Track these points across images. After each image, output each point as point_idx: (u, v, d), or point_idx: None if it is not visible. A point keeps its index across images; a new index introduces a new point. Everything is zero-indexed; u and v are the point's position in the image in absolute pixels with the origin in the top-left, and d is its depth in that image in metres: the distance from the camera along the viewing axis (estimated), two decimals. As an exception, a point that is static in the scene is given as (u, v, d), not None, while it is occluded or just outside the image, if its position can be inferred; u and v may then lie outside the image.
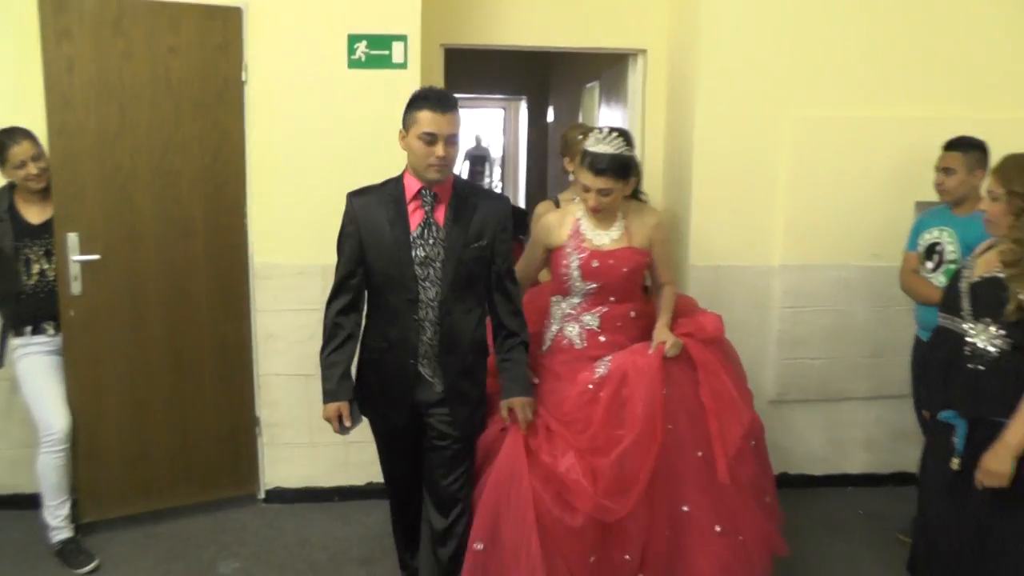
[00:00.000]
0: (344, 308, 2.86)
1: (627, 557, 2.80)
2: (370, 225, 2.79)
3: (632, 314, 3.10)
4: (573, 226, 3.08)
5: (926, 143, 3.58)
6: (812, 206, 4.09)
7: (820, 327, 4.18)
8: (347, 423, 2.86)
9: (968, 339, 2.57)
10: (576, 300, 3.08)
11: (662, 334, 3.02)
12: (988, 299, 2.54)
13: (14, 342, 3.48)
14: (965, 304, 2.61)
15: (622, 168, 2.93)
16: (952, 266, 3.31)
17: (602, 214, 3.02)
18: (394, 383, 2.85)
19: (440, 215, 2.78)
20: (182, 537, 3.69)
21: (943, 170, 3.48)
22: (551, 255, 3.11)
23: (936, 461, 2.74)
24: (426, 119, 2.64)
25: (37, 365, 3.48)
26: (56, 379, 3.50)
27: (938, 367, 2.71)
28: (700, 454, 2.89)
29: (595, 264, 3.01)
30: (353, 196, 2.84)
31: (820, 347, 4.20)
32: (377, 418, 2.98)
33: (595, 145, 2.93)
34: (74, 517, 3.58)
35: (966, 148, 3.43)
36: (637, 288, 3.17)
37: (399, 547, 3.23)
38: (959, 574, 2.66)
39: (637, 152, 3.22)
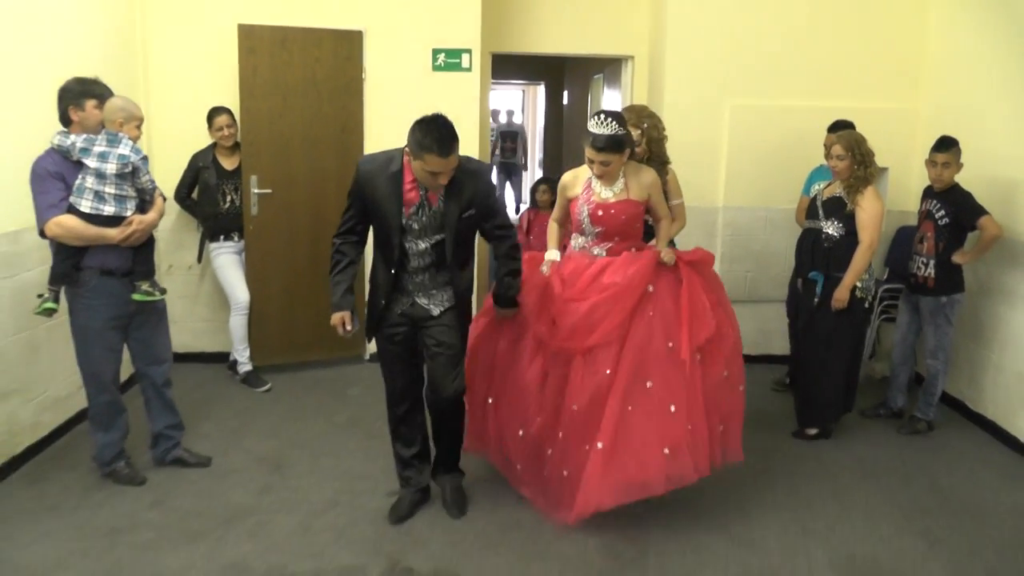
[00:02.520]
0: (346, 242, 3.21)
1: (574, 407, 3.26)
2: (371, 193, 3.06)
3: (632, 250, 3.53)
4: (585, 183, 3.54)
5: (822, 123, 4.74)
6: (744, 166, 5.32)
7: (750, 250, 5.42)
8: (348, 327, 3.22)
9: (823, 231, 4.22)
10: (588, 238, 3.57)
11: (659, 249, 3.51)
12: (832, 208, 4.22)
13: (211, 246, 4.94)
14: (820, 212, 4.26)
15: (617, 145, 3.34)
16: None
17: (606, 176, 3.47)
18: (379, 310, 3.26)
19: (434, 197, 3.07)
20: (317, 378, 5.15)
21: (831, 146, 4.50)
22: (569, 204, 3.62)
23: (805, 301, 4.34)
24: (433, 161, 2.88)
25: (228, 260, 4.93)
26: (240, 269, 4.95)
27: (807, 249, 4.34)
28: (670, 344, 3.30)
29: (600, 213, 3.48)
30: (361, 165, 3.10)
31: (751, 264, 5.44)
32: (381, 331, 3.28)
33: (595, 128, 3.33)
34: (251, 358, 5.00)
35: (843, 130, 4.44)
36: (636, 231, 3.57)
37: (398, 465, 3.48)
38: (812, 363, 4.30)
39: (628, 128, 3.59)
